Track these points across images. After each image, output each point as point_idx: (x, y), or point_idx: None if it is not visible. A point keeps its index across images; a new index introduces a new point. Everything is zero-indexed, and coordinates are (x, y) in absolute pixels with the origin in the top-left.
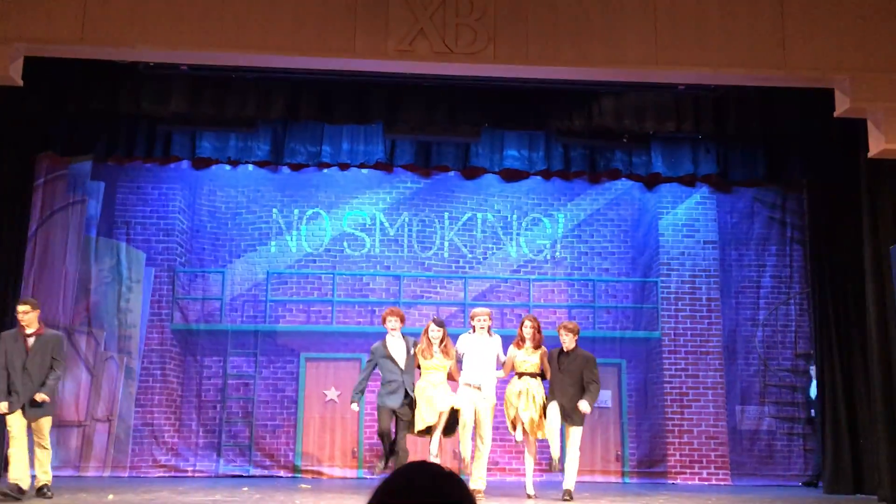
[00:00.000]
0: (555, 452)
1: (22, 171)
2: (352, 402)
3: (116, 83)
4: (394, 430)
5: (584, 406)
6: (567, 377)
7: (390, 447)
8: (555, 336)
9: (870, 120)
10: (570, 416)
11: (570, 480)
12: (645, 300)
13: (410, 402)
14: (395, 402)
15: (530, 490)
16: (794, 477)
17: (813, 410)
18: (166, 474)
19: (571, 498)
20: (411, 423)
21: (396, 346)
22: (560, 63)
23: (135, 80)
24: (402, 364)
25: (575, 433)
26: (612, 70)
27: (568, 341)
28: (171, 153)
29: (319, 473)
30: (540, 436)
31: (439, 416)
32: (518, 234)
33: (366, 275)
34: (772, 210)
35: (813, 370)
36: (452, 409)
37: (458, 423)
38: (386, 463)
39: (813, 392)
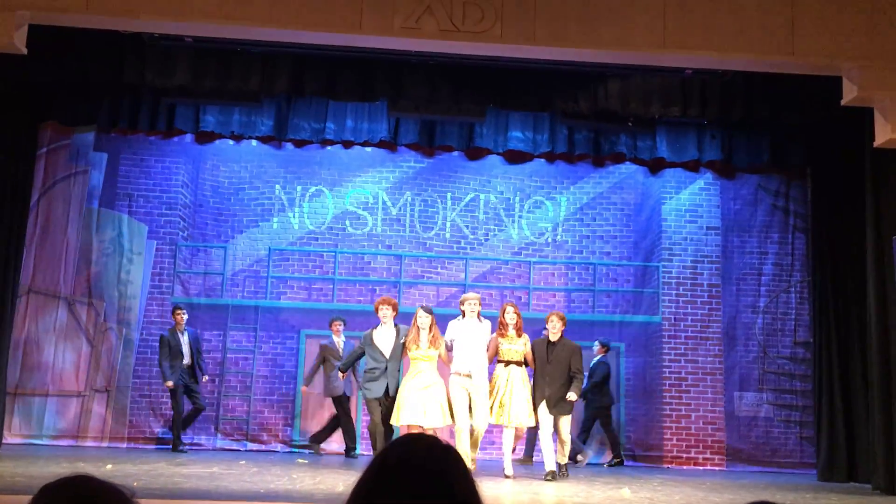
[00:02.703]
0: (549, 462)
1: (25, 139)
2: (339, 369)
3: (121, 54)
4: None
5: (571, 395)
6: (555, 367)
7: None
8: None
9: (877, 109)
10: (559, 405)
11: (551, 461)
12: (646, 285)
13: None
14: (379, 389)
15: (508, 471)
16: (789, 465)
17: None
18: (164, 447)
19: (554, 478)
20: (389, 413)
21: (384, 336)
22: (567, 44)
23: (139, 51)
24: (387, 353)
25: (564, 423)
26: (619, 53)
27: (556, 330)
28: (175, 126)
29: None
30: (526, 421)
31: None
32: (520, 217)
33: (367, 253)
34: (775, 198)
35: (595, 346)
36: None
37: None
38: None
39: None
